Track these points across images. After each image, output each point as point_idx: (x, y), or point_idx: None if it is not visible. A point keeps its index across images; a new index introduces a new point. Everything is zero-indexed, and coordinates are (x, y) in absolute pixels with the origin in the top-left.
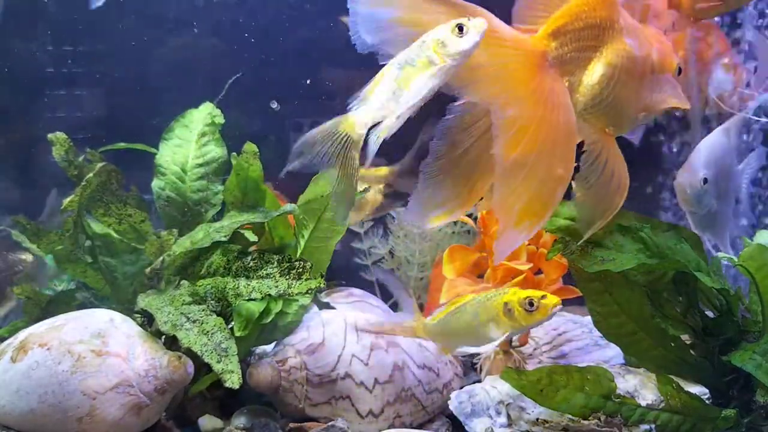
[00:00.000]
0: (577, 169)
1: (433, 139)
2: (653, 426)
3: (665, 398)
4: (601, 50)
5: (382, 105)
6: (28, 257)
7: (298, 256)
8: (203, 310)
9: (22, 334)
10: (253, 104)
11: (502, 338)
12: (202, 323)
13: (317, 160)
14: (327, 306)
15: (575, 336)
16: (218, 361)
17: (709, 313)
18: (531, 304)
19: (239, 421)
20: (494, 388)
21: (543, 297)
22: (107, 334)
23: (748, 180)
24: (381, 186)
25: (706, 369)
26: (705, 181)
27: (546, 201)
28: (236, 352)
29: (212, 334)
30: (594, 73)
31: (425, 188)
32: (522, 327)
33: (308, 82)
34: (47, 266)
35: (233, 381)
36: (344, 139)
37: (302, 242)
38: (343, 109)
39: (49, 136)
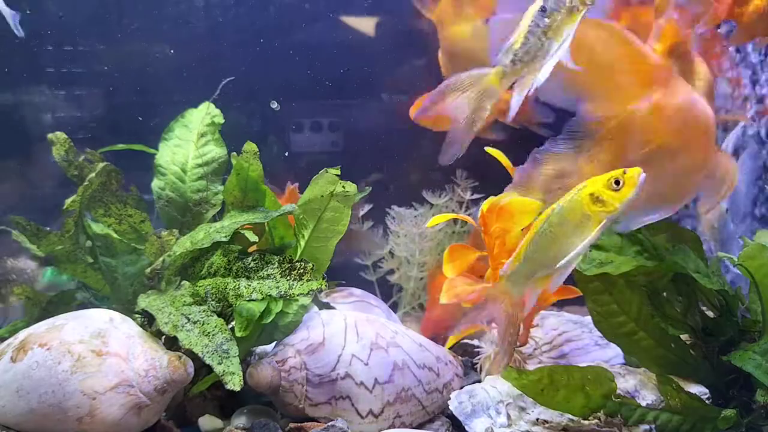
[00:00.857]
0: None
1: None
2: (653, 426)
3: (665, 398)
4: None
5: (526, 57)
6: (28, 265)
7: (298, 256)
8: (204, 311)
9: (22, 334)
10: (253, 104)
11: (594, 236)
12: (203, 324)
13: (453, 104)
14: (327, 306)
15: (575, 336)
16: (219, 363)
17: (709, 313)
18: (617, 182)
19: (239, 421)
20: (494, 388)
21: (624, 172)
22: (107, 334)
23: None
24: None
25: (706, 369)
26: (727, 210)
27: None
28: (237, 354)
29: (213, 335)
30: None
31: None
32: (616, 211)
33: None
34: (43, 279)
35: (234, 383)
36: (484, 90)
37: (302, 242)
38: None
39: (49, 135)
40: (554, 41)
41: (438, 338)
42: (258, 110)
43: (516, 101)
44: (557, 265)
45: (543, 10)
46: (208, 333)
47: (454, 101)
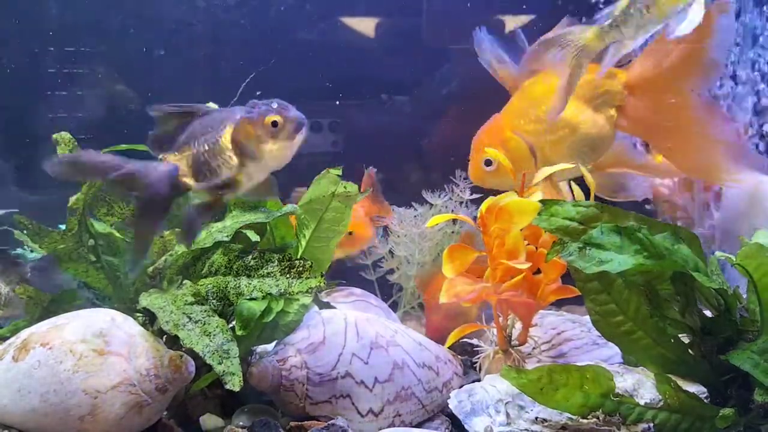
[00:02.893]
0: None
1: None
2: (652, 425)
3: (663, 397)
4: None
5: (624, 24)
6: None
7: (299, 256)
8: (205, 311)
9: (23, 334)
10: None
11: None
12: (204, 324)
13: (552, 57)
14: (327, 305)
15: (574, 335)
16: (220, 363)
17: (708, 313)
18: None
19: (240, 419)
20: (493, 386)
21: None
22: (109, 334)
23: None
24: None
25: (704, 368)
26: None
27: None
28: (237, 355)
29: (214, 335)
30: None
31: None
32: None
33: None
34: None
35: (234, 383)
36: (582, 47)
37: (303, 242)
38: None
39: (54, 135)
40: (654, 19)
41: (443, 341)
42: None
43: (607, 62)
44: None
45: None
46: (209, 333)
47: (553, 56)
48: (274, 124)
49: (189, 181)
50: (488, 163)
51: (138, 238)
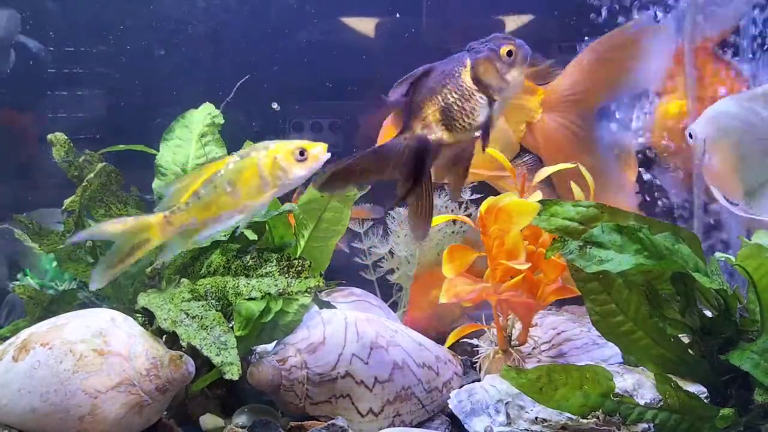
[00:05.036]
0: None
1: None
2: (651, 425)
3: (663, 397)
4: None
5: None
6: None
7: (297, 255)
8: (203, 306)
9: (23, 334)
10: (254, 105)
11: None
12: (201, 318)
13: None
14: (327, 305)
15: (574, 335)
16: (217, 354)
17: (708, 313)
18: (302, 153)
19: (240, 419)
20: (493, 386)
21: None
22: (109, 333)
23: None
24: None
25: (704, 368)
26: None
27: None
28: (235, 345)
29: (211, 328)
30: None
31: None
32: (290, 182)
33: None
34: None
35: (233, 372)
36: None
37: (302, 242)
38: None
39: (49, 136)
40: None
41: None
42: (258, 110)
43: None
44: (219, 219)
45: None
46: (206, 326)
47: None
48: (509, 53)
49: (444, 135)
50: None
51: (414, 213)
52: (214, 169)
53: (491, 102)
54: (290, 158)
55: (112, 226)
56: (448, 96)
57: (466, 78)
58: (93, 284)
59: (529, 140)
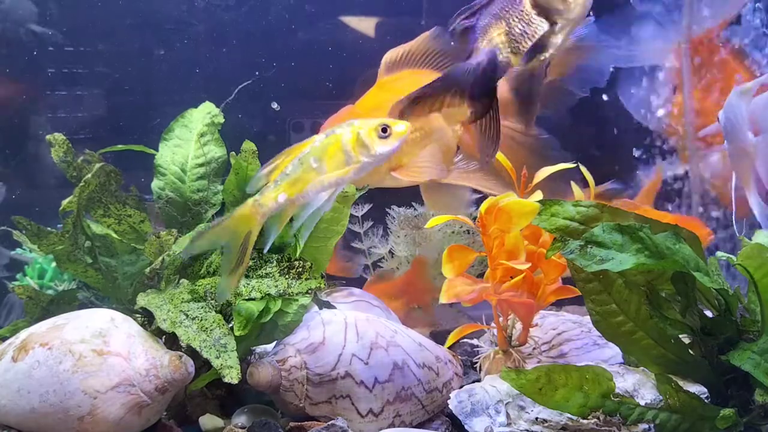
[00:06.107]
0: None
1: None
2: (652, 425)
3: (664, 397)
4: None
5: None
6: None
7: (297, 256)
8: (202, 307)
9: (23, 334)
10: (254, 105)
11: None
12: (201, 320)
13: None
14: (327, 305)
15: (574, 335)
16: (217, 357)
17: (708, 313)
18: (384, 130)
19: (239, 420)
20: (494, 387)
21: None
22: (108, 334)
23: None
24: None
25: (704, 368)
26: None
27: None
28: (235, 348)
29: (211, 330)
30: None
31: None
32: (373, 158)
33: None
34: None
35: (232, 376)
36: None
37: (301, 242)
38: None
39: (48, 137)
40: None
41: None
42: (258, 110)
43: None
44: (307, 195)
45: None
46: (206, 328)
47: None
48: None
49: (511, 57)
50: None
51: (483, 133)
52: (300, 150)
53: (552, 23)
54: (373, 135)
55: (219, 231)
56: (511, 21)
57: (527, 3)
58: (221, 296)
59: (465, 140)
